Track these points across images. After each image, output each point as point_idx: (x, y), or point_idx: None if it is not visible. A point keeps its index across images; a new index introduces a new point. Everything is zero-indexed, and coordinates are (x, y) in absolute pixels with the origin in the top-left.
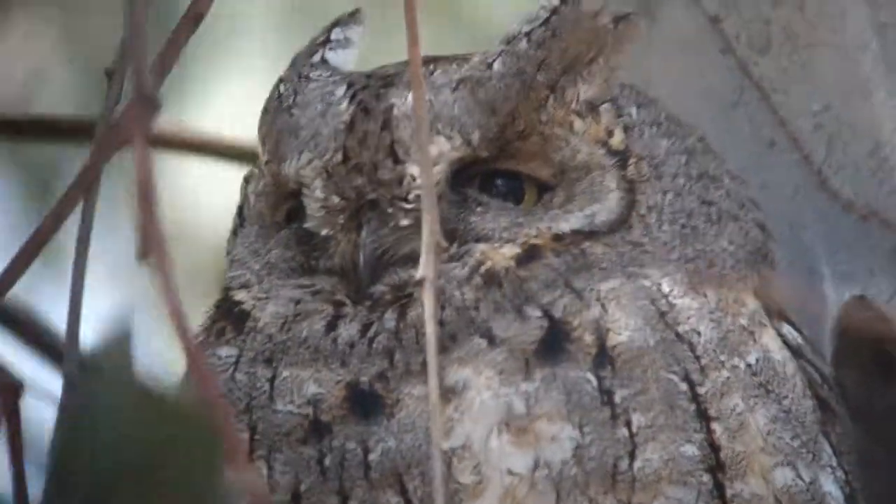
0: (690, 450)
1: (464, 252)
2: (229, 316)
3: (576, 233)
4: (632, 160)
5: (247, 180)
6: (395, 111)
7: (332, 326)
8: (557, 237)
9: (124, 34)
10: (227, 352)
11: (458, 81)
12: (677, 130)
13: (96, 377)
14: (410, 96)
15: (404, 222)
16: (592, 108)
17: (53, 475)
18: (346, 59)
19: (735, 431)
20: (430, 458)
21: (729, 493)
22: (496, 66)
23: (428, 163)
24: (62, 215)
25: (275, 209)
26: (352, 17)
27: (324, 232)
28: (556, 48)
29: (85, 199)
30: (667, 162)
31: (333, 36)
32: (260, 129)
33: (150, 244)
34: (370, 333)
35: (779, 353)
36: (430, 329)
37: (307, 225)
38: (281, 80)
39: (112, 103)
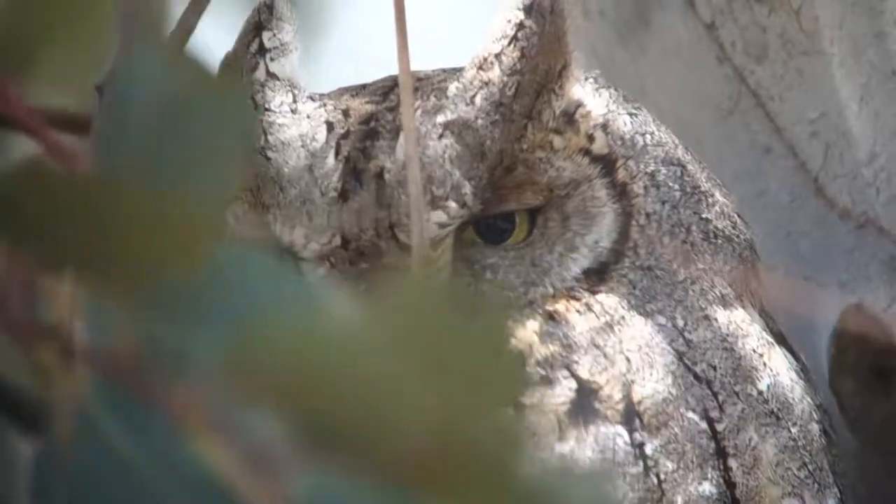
0: (708, 488)
1: None
2: None
3: (587, 274)
4: (619, 162)
5: None
6: (387, 177)
7: None
8: (573, 291)
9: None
10: None
11: (444, 126)
12: (669, 141)
13: None
14: (399, 152)
15: None
16: (568, 118)
17: None
18: (292, 67)
19: (750, 468)
20: None
21: None
22: (478, 101)
23: (414, 161)
24: None
25: (259, 238)
26: (271, 13)
27: None
28: (528, 69)
29: None
30: (662, 171)
31: (268, 43)
32: None
33: None
34: None
35: (786, 375)
36: None
37: None
38: None
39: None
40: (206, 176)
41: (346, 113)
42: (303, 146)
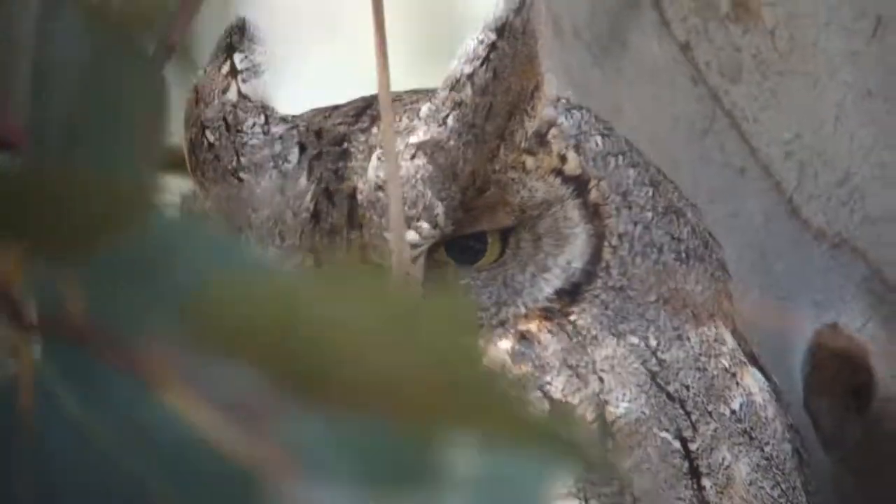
0: None
1: None
2: None
3: (560, 294)
4: (592, 182)
5: (189, 210)
6: (360, 197)
7: None
8: (545, 312)
9: None
10: None
11: (416, 147)
12: (641, 160)
13: None
14: (371, 173)
15: None
16: (541, 139)
17: None
18: (264, 89)
19: (723, 487)
20: None
21: None
22: (450, 122)
23: (395, 177)
24: None
25: None
26: (243, 34)
27: None
28: (500, 90)
29: None
30: (634, 192)
31: (240, 65)
32: (193, 171)
33: None
34: None
35: (759, 395)
36: None
37: None
38: (203, 124)
39: None
40: (124, 143)
41: (318, 134)
42: (275, 167)
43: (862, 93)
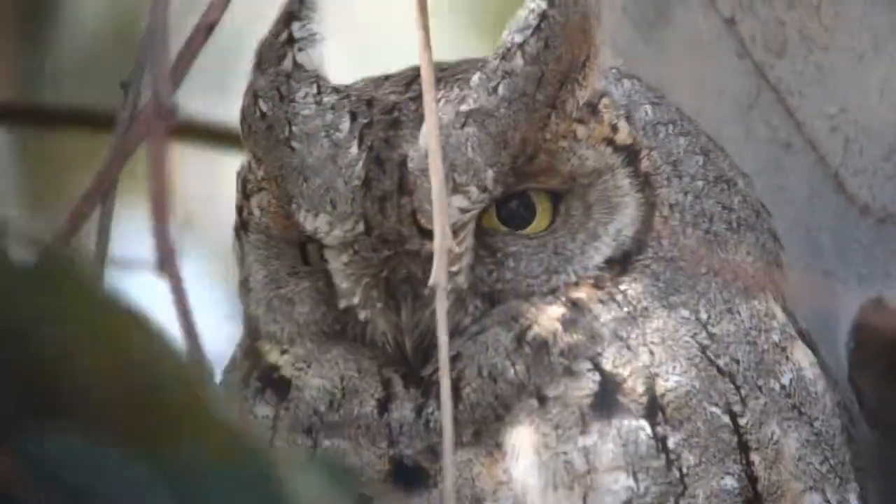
0: (730, 483)
1: (506, 316)
2: (268, 380)
3: (610, 263)
4: (643, 152)
5: (244, 180)
6: (410, 165)
7: (383, 407)
8: (595, 280)
9: (142, 43)
10: (264, 412)
11: (466, 115)
12: (692, 129)
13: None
14: (422, 140)
15: None
16: (592, 108)
17: None
18: (319, 59)
19: (772, 462)
20: None
21: None
22: (501, 90)
23: (437, 160)
24: (77, 224)
25: (284, 229)
26: (303, 3)
27: (361, 316)
28: (551, 59)
29: (103, 203)
30: (684, 161)
31: (297, 34)
32: (246, 140)
33: (165, 257)
34: (425, 415)
35: (809, 370)
36: (443, 336)
37: (340, 304)
38: (256, 93)
39: (128, 115)
40: None
41: (369, 103)
42: (326, 136)
43: None
